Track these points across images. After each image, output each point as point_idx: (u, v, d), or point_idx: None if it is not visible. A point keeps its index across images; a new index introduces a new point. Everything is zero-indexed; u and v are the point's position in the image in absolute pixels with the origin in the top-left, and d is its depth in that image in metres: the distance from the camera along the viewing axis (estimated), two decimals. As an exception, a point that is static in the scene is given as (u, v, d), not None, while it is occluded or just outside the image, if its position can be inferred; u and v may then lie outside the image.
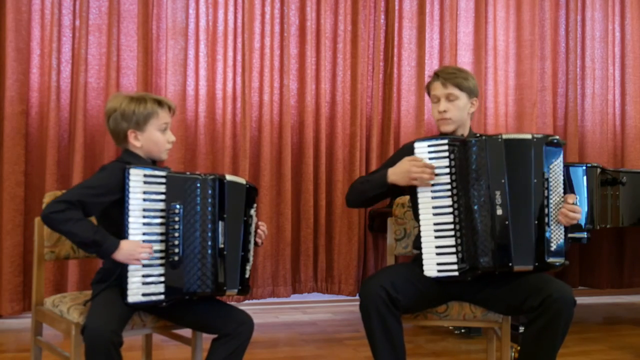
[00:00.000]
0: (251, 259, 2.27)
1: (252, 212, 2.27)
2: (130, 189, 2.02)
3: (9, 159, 3.52)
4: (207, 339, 2.20)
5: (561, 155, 2.24)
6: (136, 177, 2.03)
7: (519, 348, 2.78)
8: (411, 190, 2.35)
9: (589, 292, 4.69)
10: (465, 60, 4.39)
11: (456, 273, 2.19)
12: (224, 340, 2.09)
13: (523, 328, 3.12)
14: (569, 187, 2.30)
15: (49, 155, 3.57)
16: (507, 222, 2.17)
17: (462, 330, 3.62)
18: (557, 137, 2.24)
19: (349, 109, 4.12)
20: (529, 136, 2.22)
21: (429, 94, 2.47)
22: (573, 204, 2.20)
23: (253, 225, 2.27)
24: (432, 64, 4.34)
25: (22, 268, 3.55)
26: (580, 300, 4.75)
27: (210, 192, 2.09)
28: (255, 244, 2.32)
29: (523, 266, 2.17)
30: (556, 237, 2.21)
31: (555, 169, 2.22)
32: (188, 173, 2.15)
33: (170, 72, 3.82)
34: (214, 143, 3.91)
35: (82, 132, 3.62)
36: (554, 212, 2.20)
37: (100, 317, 1.94)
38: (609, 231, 4.53)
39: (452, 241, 2.20)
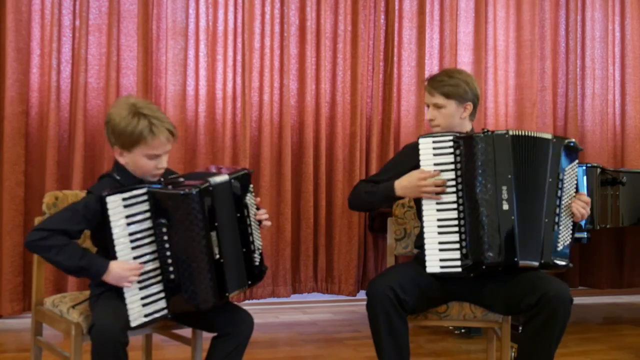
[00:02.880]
0: (257, 243, 2.20)
1: (248, 199, 2.17)
2: (111, 217, 1.92)
3: (9, 159, 3.52)
4: (207, 339, 2.20)
5: (577, 160, 2.28)
6: (114, 204, 1.93)
7: (519, 348, 2.77)
8: None
9: (589, 292, 4.69)
10: (465, 60, 4.39)
11: (459, 269, 2.19)
12: (223, 339, 2.09)
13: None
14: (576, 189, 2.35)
15: (49, 155, 3.57)
16: (513, 217, 2.17)
17: (462, 330, 3.62)
18: (574, 140, 2.28)
19: (349, 109, 4.12)
20: (549, 136, 2.24)
21: None
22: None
23: (252, 210, 2.18)
24: (432, 64, 4.33)
25: (22, 268, 3.54)
26: (580, 300, 4.78)
27: (196, 205, 1.95)
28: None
29: (528, 262, 2.18)
30: (564, 238, 2.22)
31: (570, 172, 2.25)
32: (181, 178, 2.07)
33: (170, 72, 3.82)
34: (214, 143, 3.91)
35: (82, 132, 3.62)
36: (564, 213, 2.22)
37: (108, 316, 1.93)
38: (609, 231, 4.53)
39: (455, 237, 2.20)
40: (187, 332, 2.30)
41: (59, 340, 3.23)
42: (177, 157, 3.76)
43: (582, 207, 2.25)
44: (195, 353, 2.30)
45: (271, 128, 3.98)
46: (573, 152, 2.27)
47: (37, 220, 2.30)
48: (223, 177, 2.07)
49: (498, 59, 4.46)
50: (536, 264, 2.18)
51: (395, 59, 4.23)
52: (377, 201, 2.39)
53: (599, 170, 3.41)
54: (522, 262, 2.18)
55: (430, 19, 4.34)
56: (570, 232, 2.24)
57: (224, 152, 3.87)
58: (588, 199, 2.28)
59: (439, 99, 2.39)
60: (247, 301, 3.96)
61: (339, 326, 3.86)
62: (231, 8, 3.95)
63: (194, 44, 3.88)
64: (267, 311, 4.14)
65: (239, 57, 3.94)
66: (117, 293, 2.01)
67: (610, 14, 4.65)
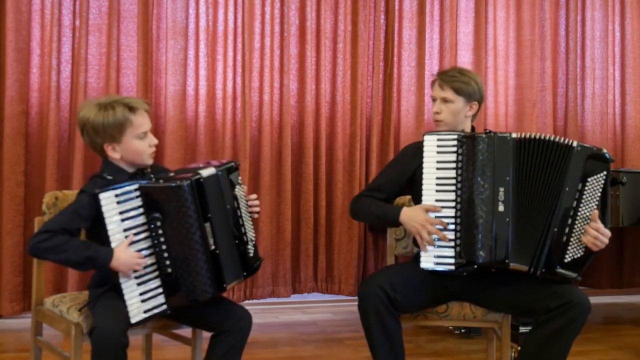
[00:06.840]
0: (250, 235, 2.22)
1: (237, 191, 2.19)
2: (105, 214, 1.95)
3: (9, 159, 3.52)
4: (206, 338, 2.20)
5: (605, 172, 2.18)
6: (107, 201, 1.95)
7: (519, 348, 2.78)
8: (414, 184, 2.36)
9: (589, 292, 4.66)
10: (465, 60, 4.39)
11: (453, 267, 2.20)
12: (222, 337, 2.10)
13: (523, 328, 3.12)
14: (601, 202, 2.22)
15: (49, 155, 3.56)
16: (507, 219, 2.17)
17: (462, 330, 3.62)
18: (606, 151, 2.19)
19: (349, 109, 4.12)
20: (574, 143, 2.18)
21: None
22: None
23: (242, 202, 2.21)
24: (432, 64, 4.33)
25: (22, 268, 3.54)
26: (580, 300, 4.74)
27: (188, 196, 1.98)
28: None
29: (518, 265, 2.18)
30: (574, 249, 2.18)
31: (594, 183, 2.17)
32: (171, 173, 2.11)
33: (170, 72, 3.82)
34: (214, 143, 3.91)
35: (82, 132, 3.61)
36: (579, 224, 2.17)
37: (108, 318, 1.94)
38: (609, 231, 4.52)
39: (451, 235, 2.21)
40: (187, 332, 2.30)
41: (59, 340, 3.23)
42: (177, 157, 3.76)
43: (594, 236, 2.15)
44: (195, 353, 2.30)
45: (271, 128, 3.98)
46: (601, 163, 2.18)
47: (37, 220, 2.30)
48: (211, 170, 2.09)
49: (498, 59, 4.46)
50: (526, 267, 2.18)
51: (395, 59, 4.23)
52: (382, 224, 2.49)
53: (599, 170, 3.40)
54: (512, 265, 2.17)
55: (430, 19, 4.33)
56: (584, 247, 2.18)
57: (224, 152, 3.87)
58: (607, 232, 2.17)
59: (449, 94, 2.40)
60: (247, 301, 3.95)
61: (339, 326, 3.86)
62: (231, 8, 3.95)
63: (194, 44, 3.88)
64: (267, 311, 4.14)
65: (239, 57, 3.94)
66: (115, 293, 2.01)
67: (610, 14, 4.65)
